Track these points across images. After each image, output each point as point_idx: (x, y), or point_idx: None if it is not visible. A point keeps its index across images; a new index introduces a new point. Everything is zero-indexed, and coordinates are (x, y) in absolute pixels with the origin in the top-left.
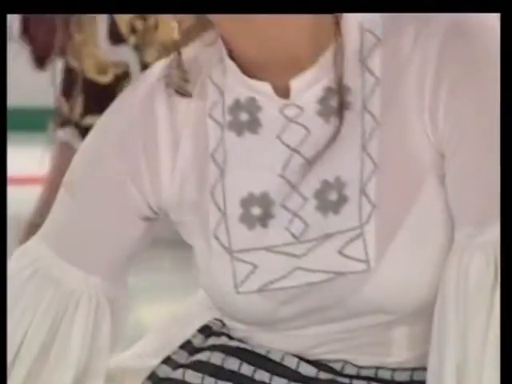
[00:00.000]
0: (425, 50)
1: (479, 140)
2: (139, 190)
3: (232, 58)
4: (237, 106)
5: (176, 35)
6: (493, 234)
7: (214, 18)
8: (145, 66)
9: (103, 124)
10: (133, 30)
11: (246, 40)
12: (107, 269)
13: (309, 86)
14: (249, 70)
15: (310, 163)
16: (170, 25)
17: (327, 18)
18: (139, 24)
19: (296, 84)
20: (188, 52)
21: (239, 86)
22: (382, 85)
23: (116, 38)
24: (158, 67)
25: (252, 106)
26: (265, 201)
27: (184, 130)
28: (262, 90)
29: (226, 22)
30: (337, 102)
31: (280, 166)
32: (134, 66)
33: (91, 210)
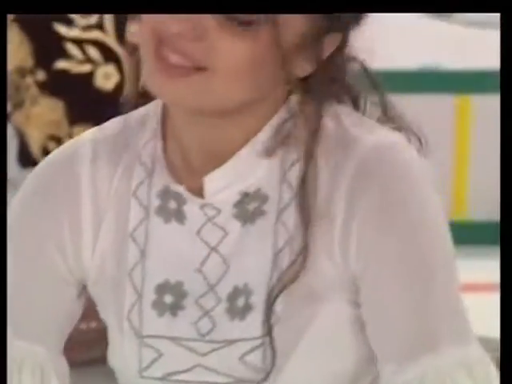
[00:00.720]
0: (337, 177)
1: (395, 277)
2: (64, 260)
3: (163, 149)
4: (166, 193)
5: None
6: (415, 371)
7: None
8: None
9: (33, 188)
10: (45, 153)
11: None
12: (50, 339)
13: (223, 188)
14: (172, 167)
15: (226, 265)
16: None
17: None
18: (52, 146)
19: (208, 184)
20: (121, 121)
21: (166, 175)
22: (299, 198)
23: (26, 160)
24: (87, 134)
25: (179, 197)
26: (178, 291)
27: (107, 207)
28: (179, 190)
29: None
30: (253, 209)
31: (199, 262)
32: None
33: (24, 276)
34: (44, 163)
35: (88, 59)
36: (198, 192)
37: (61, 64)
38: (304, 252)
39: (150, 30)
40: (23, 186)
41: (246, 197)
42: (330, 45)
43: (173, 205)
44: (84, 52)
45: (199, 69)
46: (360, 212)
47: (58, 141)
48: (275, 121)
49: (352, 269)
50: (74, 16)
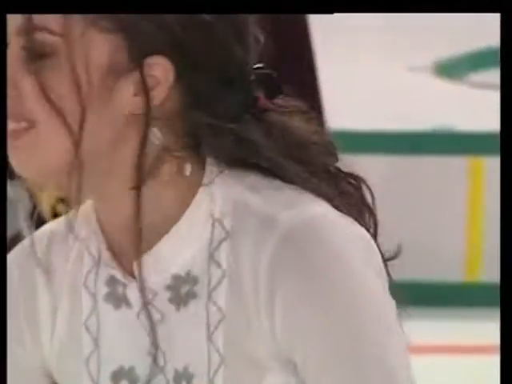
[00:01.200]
0: (259, 255)
1: (329, 350)
2: (25, 349)
3: (103, 233)
4: (113, 280)
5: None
6: None
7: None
8: None
9: None
10: (55, 214)
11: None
12: None
13: (153, 270)
14: (112, 246)
15: (165, 349)
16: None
17: (179, 203)
18: (61, 208)
19: (138, 267)
20: (61, 224)
21: (109, 261)
22: (228, 277)
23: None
24: (45, 227)
25: (122, 282)
26: (132, 376)
27: (61, 296)
28: (115, 273)
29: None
30: (185, 291)
31: (146, 344)
32: None
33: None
34: (9, 256)
35: None
36: (130, 274)
37: None
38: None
39: None
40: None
41: (178, 280)
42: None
43: (119, 290)
44: None
45: (31, 127)
46: (281, 290)
47: (67, 203)
48: (200, 202)
49: (281, 343)
50: None
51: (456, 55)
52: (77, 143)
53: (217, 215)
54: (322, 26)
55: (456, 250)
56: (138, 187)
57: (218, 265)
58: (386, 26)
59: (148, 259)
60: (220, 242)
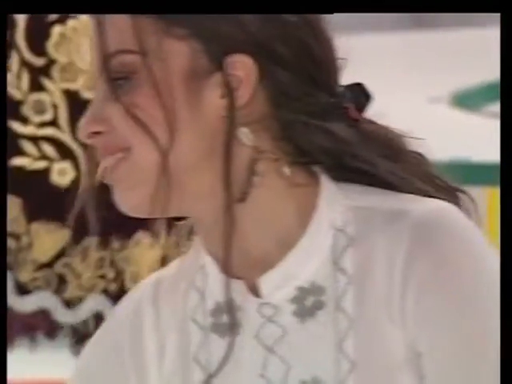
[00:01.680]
0: (393, 251)
1: (456, 340)
2: None
3: (214, 260)
4: (218, 309)
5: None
6: None
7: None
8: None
9: (97, 337)
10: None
11: (217, 246)
12: None
13: (281, 285)
14: (226, 270)
15: (287, 363)
16: (43, 245)
17: (298, 216)
18: (11, 243)
19: (265, 283)
20: (181, 260)
21: (218, 288)
22: (354, 283)
23: None
24: (153, 276)
25: (232, 307)
26: None
27: (169, 333)
28: (238, 289)
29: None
30: (311, 303)
31: (260, 366)
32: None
33: None
34: (119, 304)
35: (43, 156)
36: (255, 292)
37: (16, 161)
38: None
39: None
40: (94, 337)
41: (302, 291)
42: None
43: (225, 318)
44: (39, 149)
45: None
46: (415, 280)
47: (17, 238)
48: (322, 213)
49: (411, 337)
50: (28, 113)
51: (473, 86)
52: (169, 160)
53: (339, 224)
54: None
55: None
56: (243, 198)
57: (344, 272)
58: (404, 59)
59: (272, 275)
60: (344, 249)
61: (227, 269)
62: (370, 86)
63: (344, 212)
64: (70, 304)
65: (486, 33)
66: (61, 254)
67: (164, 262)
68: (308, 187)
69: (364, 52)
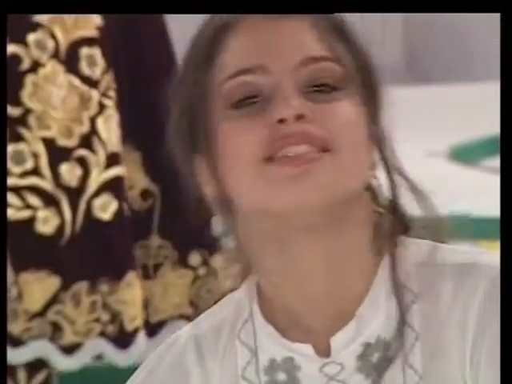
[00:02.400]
0: (465, 303)
1: None
2: None
3: (267, 319)
4: (273, 366)
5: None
6: None
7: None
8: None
9: None
10: None
11: (291, 293)
12: None
13: (349, 343)
14: (284, 328)
15: None
16: (33, 294)
17: (368, 270)
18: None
19: (337, 342)
20: (216, 313)
21: (274, 346)
22: (422, 339)
23: None
24: (186, 330)
25: (290, 366)
26: None
27: None
28: (303, 352)
29: (268, 259)
30: (376, 359)
31: None
32: None
33: None
34: (153, 358)
35: (27, 205)
36: (321, 351)
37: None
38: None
39: (238, 151)
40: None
41: (368, 347)
42: None
43: (281, 376)
44: (22, 199)
45: (324, 151)
46: (490, 335)
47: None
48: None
49: None
50: (9, 164)
51: (471, 141)
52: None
53: (402, 280)
54: None
55: None
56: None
57: (411, 328)
58: (402, 113)
59: (344, 333)
60: (409, 306)
61: (291, 335)
62: None
63: (406, 267)
64: (68, 350)
65: (485, 87)
66: (52, 302)
67: (148, 302)
68: (371, 245)
69: None
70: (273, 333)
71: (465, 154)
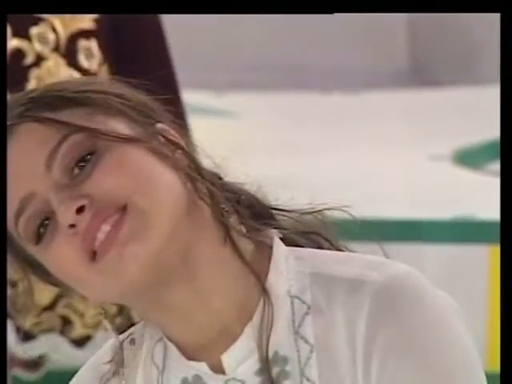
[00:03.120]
0: (353, 318)
1: None
2: None
3: (171, 339)
4: (185, 383)
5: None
6: None
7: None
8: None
9: None
10: None
11: (174, 327)
12: None
13: (243, 360)
14: (186, 350)
15: None
16: (42, 288)
17: (252, 285)
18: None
19: (227, 359)
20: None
21: (182, 366)
22: (316, 351)
23: None
24: (104, 350)
25: (199, 381)
26: None
27: None
28: (201, 369)
29: (154, 313)
30: (276, 373)
31: None
32: None
33: None
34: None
35: None
36: (218, 369)
37: None
38: None
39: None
40: None
41: (266, 363)
42: None
43: None
44: None
45: (123, 209)
46: (378, 346)
47: (14, 285)
48: (273, 282)
49: None
50: None
51: (475, 144)
52: None
53: (294, 292)
54: (345, 117)
55: (477, 339)
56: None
57: (305, 340)
58: (405, 117)
59: (234, 350)
60: (303, 318)
61: (186, 352)
62: (370, 144)
63: (299, 278)
64: (78, 343)
65: (486, 91)
66: (61, 295)
67: None
68: (258, 255)
69: (364, 110)
70: (175, 351)
71: (468, 158)
